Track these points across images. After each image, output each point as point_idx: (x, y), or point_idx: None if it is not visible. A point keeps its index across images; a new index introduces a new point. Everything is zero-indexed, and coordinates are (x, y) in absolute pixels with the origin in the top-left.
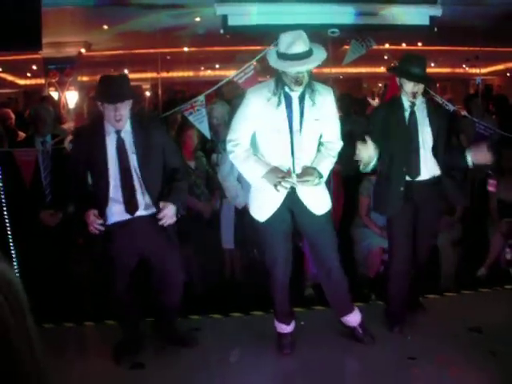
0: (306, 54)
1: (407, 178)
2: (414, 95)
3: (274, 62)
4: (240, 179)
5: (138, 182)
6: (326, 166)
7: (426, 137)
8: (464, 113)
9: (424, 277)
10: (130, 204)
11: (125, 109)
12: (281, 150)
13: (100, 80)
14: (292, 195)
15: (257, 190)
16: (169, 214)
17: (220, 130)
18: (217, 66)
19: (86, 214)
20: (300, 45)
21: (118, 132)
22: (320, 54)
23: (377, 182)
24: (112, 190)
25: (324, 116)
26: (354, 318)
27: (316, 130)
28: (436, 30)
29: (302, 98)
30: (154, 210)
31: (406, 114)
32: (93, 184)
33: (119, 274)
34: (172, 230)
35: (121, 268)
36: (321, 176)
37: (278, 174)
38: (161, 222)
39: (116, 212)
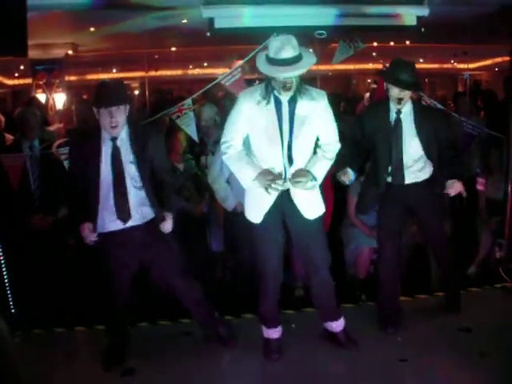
0: (295, 60)
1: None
2: (400, 101)
3: (262, 66)
4: (230, 181)
5: (132, 190)
6: (321, 168)
7: (412, 145)
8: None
9: (455, 273)
10: (123, 212)
11: (120, 115)
12: (272, 154)
13: (96, 87)
14: (285, 197)
15: (249, 192)
16: (170, 224)
17: (209, 131)
18: (205, 64)
19: (81, 226)
20: (289, 50)
21: (113, 139)
22: (309, 60)
23: (363, 181)
24: (104, 198)
25: (317, 120)
26: (338, 324)
27: (308, 134)
28: (423, 30)
29: (292, 102)
30: (149, 218)
31: (393, 121)
32: (85, 190)
33: (118, 282)
34: (170, 236)
35: (120, 276)
36: (315, 178)
37: (268, 177)
38: (163, 230)
39: (110, 221)
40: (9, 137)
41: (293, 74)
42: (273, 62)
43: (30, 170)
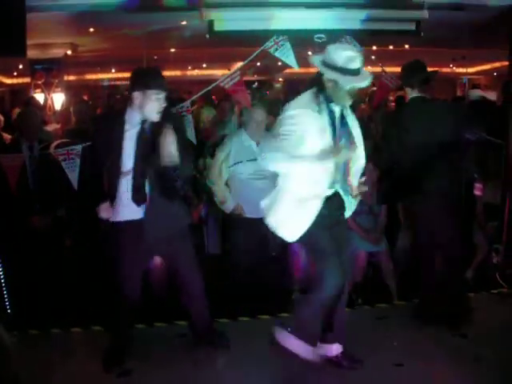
0: (360, 70)
1: None
2: None
3: (332, 74)
4: (229, 183)
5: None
6: None
7: None
8: None
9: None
10: (138, 193)
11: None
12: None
13: (142, 71)
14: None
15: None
16: None
17: (207, 134)
18: (204, 65)
19: (100, 207)
20: (357, 61)
21: (143, 122)
22: (366, 71)
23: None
24: (123, 180)
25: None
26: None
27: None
28: (422, 34)
29: (342, 111)
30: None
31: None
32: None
33: (129, 275)
34: (187, 231)
35: (132, 268)
36: None
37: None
38: None
39: (128, 208)
40: (7, 136)
41: (365, 83)
42: (344, 71)
43: (29, 170)
